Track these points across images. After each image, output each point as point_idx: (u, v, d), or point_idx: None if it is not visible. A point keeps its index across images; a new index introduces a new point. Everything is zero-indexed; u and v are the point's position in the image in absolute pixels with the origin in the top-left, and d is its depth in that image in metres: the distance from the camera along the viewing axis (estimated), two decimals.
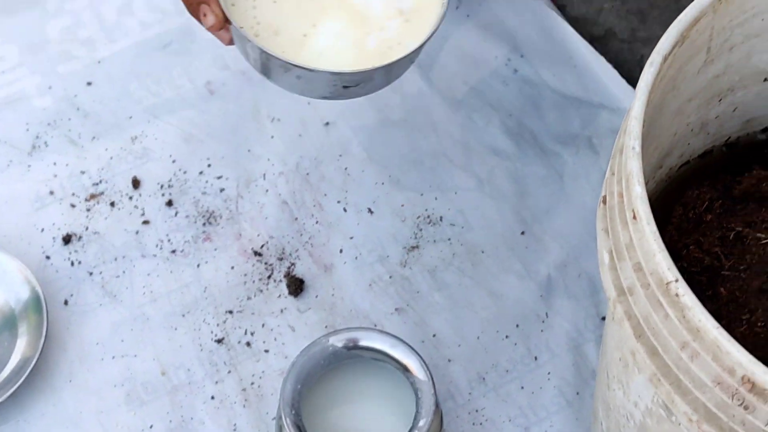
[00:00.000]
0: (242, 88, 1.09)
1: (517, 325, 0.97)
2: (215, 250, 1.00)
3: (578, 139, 1.05)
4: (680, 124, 0.78)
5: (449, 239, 1.01)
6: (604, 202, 0.71)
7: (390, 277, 0.99)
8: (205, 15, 0.67)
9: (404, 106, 1.08)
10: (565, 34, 1.10)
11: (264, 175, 1.04)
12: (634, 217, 0.64)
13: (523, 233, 1.01)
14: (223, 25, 0.68)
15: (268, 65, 0.65)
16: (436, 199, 1.03)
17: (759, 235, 0.73)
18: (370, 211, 1.03)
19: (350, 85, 0.67)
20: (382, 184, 1.04)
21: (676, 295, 0.61)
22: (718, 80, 0.77)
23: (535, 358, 0.95)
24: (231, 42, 0.70)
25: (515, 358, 0.95)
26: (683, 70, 0.72)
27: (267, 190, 1.03)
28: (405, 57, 0.66)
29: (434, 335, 0.96)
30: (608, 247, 0.69)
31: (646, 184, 0.79)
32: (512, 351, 0.95)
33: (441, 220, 1.02)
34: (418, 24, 0.66)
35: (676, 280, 0.61)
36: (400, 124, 1.07)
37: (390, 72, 0.66)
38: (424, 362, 0.84)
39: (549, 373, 0.94)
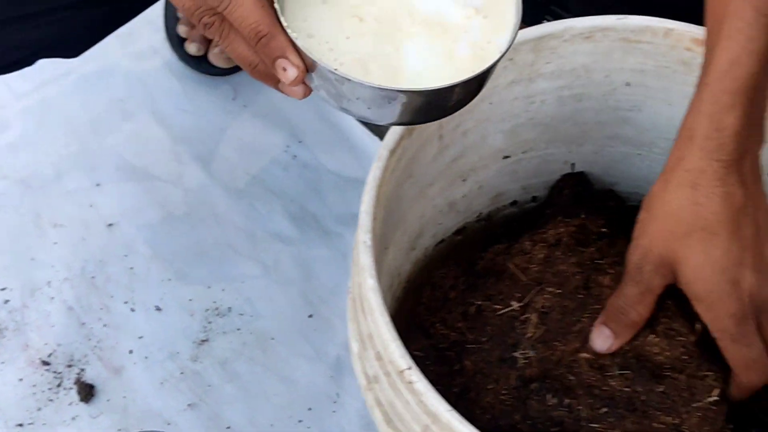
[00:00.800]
0: (22, 196, 1.08)
1: (310, 409, 0.98)
2: (2, 363, 0.99)
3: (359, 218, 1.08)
4: (426, 206, 0.81)
5: (239, 329, 1.03)
6: (350, 292, 0.73)
7: (181, 373, 1.00)
8: (285, 69, 0.60)
9: (187, 200, 1.09)
10: (340, 117, 1.14)
11: (49, 282, 1.04)
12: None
13: (311, 316, 1.03)
14: (304, 76, 0.61)
15: (372, 100, 0.61)
16: (223, 290, 1.05)
17: (496, 306, 0.76)
18: (158, 308, 1.03)
19: (460, 96, 0.63)
20: (169, 280, 1.05)
21: (410, 382, 0.64)
22: (457, 163, 0.81)
23: None
24: (306, 94, 0.64)
25: None
26: (417, 159, 0.76)
27: (52, 298, 1.03)
28: (505, 52, 0.62)
29: (228, 427, 0.97)
30: (356, 336, 0.71)
31: (400, 266, 0.82)
32: None
33: (230, 310, 1.04)
34: (497, 18, 0.62)
35: (409, 368, 0.64)
36: (184, 218, 1.08)
37: (491, 72, 0.63)
38: None
39: None
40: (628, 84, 0.80)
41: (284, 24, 0.60)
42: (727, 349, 0.71)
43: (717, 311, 0.69)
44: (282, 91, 0.63)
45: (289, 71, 0.60)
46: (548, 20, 1.22)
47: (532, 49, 0.76)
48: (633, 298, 0.71)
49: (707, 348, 0.72)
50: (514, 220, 0.88)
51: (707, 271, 0.68)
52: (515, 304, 0.76)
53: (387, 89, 0.60)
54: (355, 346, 0.72)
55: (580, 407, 0.71)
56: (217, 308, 1.04)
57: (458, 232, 0.86)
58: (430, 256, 0.85)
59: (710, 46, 0.69)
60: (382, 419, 0.68)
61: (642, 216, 0.70)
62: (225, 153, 1.13)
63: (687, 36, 0.76)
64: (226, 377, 1.00)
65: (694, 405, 0.72)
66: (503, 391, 0.73)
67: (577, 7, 1.09)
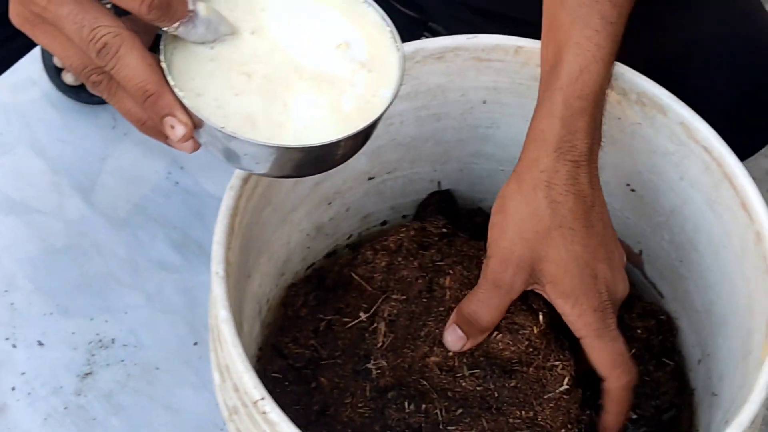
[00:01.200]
0: None
1: None
2: None
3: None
4: (292, 231, 0.81)
5: (123, 360, 1.02)
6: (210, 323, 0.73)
7: (65, 408, 0.99)
8: (173, 127, 0.59)
9: (68, 232, 1.08)
10: None
11: None
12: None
13: (196, 344, 1.03)
14: (192, 133, 0.61)
15: (260, 157, 0.62)
16: (106, 321, 1.04)
17: (345, 319, 0.76)
18: (40, 343, 1.02)
19: (347, 149, 0.64)
20: (51, 314, 1.03)
21: (264, 412, 0.64)
22: (321, 187, 0.81)
23: None
24: (196, 149, 0.63)
25: None
26: (275, 186, 0.76)
27: None
28: (389, 105, 0.63)
29: None
30: (216, 367, 0.71)
31: (269, 293, 0.82)
32: None
33: (113, 342, 1.03)
34: (381, 72, 0.63)
35: (263, 398, 0.64)
36: (65, 250, 1.07)
37: (377, 124, 0.64)
38: None
39: None
40: (484, 102, 0.80)
41: (171, 83, 0.60)
42: (593, 348, 0.71)
43: (582, 306, 0.70)
44: (171, 146, 0.63)
45: (177, 129, 0.60)
46: (426, 37, 1.23)
47: None
48: (489, 303, 0.71)
49: (553, 339, 0.74)
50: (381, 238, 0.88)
51: (572, 266, 0.69)
52: (363, 315, 0.76)
53: (274, 146, 0.61)
54: (216, 377, 0.71)
55: (436, 411, 0.72)
56: (100, 340, 1.03)
57: (329, 255, 0.86)
58: (302, 279, 0.85)
59: (556, 52, 0.71)
60: None
61: (496, 219, 0.71)
62: (106, 182, 1.12)
63: (536, 53, 0.76)
64: (111, 410, 0.99)
65: (546, 396, 0.73)
66: (360, 404, 0.73)
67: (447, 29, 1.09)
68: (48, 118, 1.16)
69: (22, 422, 0.98)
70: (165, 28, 0.60)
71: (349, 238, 0.87)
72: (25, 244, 1.07)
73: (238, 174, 0.71)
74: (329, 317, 0.76)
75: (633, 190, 0.81)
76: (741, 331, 0.73)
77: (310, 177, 0.79)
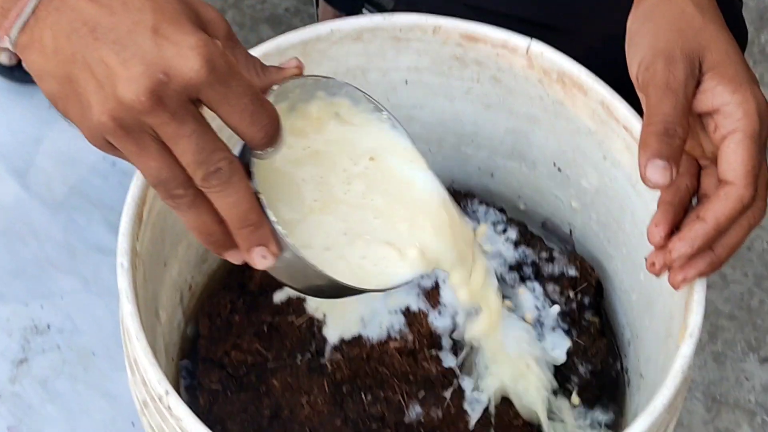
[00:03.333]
0: None
1: (133, 423, 0.97)
2: None
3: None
4: None
5: (59, 346, 1.00)
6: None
7: None
8: (264, 257, 0.59)
9: (2, 216, 1.06)
10: None
11: None
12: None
13: None
14: None
15: (332, 290, 0.62)
16: (42, 307, 1.02)
17: (290, 318, 0.75)
18: None
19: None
20: None
21: (169, 407, 0.62)
22: None
23: None
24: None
25: None
26: None
27: None
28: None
29: None
30: (127, 361, 0.70)
31: (191, 280, 0.81)
32: None
33: (49, 328, 1.01)
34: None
35: (167, 393, 0.63)
36: None
37: None
38: None
39: None
40: (406, 82, 0.79)
41: (273, 219, 0.59)
42: (741, 145, 0.65)
43: (745, 93, 0.65)
44: (227, 258, 0.62)
45: (268, 260, 0.59)
46: (368, 10, 1.21)
47: (300, 54, 0.74)
48: (673, 109, 0.64)
49: None
50: None
51: (732, 54, 0.66)
52: (311, 311, 0.75)
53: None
54: (128, 370, 0.70)
55: (398, 397, 0.71)
56: (35, 326, 1.01)
57: None
58: (228, 265, 0.84)
59: None
60: None
61: (645, 28, 0.68)
62: (42, 165, 1.10)
63: (455, 32, 0.75)
64: (46, 397, 0.97)
65: None
66: (319, 401, 0.72)
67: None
68: None
69: None
70: (258, 151, 0.58)
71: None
72: None
73: None
74: (270, 319, 0.74)
75: (559, 170, 0.80)
76: (665, 313, 0.72)
77: None
